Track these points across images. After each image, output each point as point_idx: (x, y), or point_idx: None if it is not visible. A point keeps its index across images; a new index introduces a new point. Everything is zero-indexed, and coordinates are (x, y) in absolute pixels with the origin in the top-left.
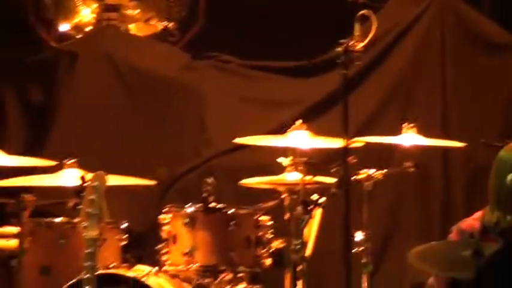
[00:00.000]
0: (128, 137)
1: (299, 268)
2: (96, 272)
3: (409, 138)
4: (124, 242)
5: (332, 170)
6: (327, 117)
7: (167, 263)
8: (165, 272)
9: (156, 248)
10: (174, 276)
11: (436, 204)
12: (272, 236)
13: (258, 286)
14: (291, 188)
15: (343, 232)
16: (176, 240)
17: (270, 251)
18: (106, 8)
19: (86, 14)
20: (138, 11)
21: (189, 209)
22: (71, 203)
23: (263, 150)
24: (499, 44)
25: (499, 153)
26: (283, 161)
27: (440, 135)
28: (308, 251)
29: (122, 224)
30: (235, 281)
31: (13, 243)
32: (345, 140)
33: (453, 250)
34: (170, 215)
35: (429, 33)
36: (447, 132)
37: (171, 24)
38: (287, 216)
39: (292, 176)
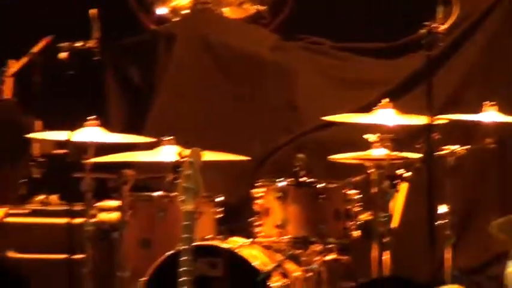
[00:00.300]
0: (222, 114)
1: (385, 240)
2: (193, 243)
3: (490, 115)
4: (219, 215)
5: (417, 146)
6: (412, 96)
7: (260, 234)
8: (258, 243)
9: (250, 220)
10: (266, 247)
11: None
12: (360, 209)
13: (347, 257)
14: (378, 163)
15: (427, 205)
16: (269, 213)
17: (358, 223)
18: None
19: None
20: None
21: (281, 183)
22: (168, 178)
23: (351, 127)
24: None
25: None
26: (370, 137)
27: None
28: (394, 223)
29: (217, 198)
30: (325, 252)
31: (114, 216)
32: (429, 117)
33: None
34: (263, 189)
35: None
36: None
37: (263, 8)
38: (374, 190)
39: (379, 152)
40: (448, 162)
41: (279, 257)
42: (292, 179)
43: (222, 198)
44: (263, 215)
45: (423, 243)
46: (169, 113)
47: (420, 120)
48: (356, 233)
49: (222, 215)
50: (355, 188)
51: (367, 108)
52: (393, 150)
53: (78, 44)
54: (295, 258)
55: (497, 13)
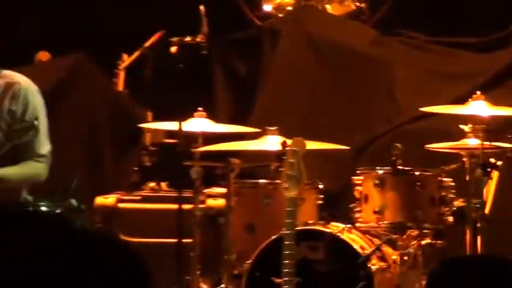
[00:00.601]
0: (324, 106)
1: (478, 225)
2: (296, 228)
3: None
4: (320, 201)
5: (508, 136)
6: (504, 89)
7: (359, 220)
8: (357, 228)
9: (349, 206)
10: (365, 232)
11: None
12: (454, 195)
13: (441, 241)
14: (471, 152)
15: None
16: (367, 199)
17: (452, 209)
18: None
19: None
20: None
21: (380, 171)
22: (273, 166)
23: (446, 118)
24: None
25: None
26: (464, 127)
27: None
28: (486, 210)
29: (319, 185)
30: (421, 236)
31: (221, 202)
32: None
33: None
34: (362, 177)
35: None
36: None
37: (363, 5)
38: (468, 177)
39: (472, 141)
40: None
41: (377, 241)
42: (390, 167)
43: (323, 185)
44: (362, 201)
45: None
46: (273, 105)
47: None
48: (450, 219)
49: (323, 202)
50: (449, 176)
51: (461, 100)
52: (486, 139)
53: (187, 39)
54: (392, 243)
55: None
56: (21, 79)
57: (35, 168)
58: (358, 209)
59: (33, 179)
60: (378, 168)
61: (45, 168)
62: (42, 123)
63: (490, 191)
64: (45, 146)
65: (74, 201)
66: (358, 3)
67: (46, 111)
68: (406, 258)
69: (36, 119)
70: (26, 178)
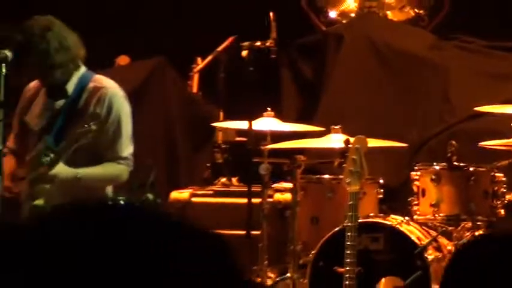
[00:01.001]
0: (384, 106)
1: None
2: (357, 220)
3: None
4: (380, 196)
5: None
6: None
7: (416, 212)
8: (415, 220)
9: (407, 200)
10: (422, 224)
11: None
12: (505, 189)
13: None
14: None
15: None
16: (424, 193)
17: (504, 202)
18: None
19: (350, 3)
20: (394, 0)
21: (436, 167)
22: (336, 162)
23: (498, 117)
24: None
25: None
26: None
27: None
28: None
29: (379, 180)
30: (474, 228)
31: (287, 196)
32: None
33: None
34: (419, 172)
35: None
36: None
37: (421, 11)
38: None
39: None
40: None
41: (433, 232)
42: (446, 163)
43: (383, 180)
44: (419, 195)
45: None
46: (337, 105)
47: None
48: (502, 211)
49: (383, 196)
50: (501, 171)
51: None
52: None
53: (257, 44)
54: (447, 234)
55: None
56: (108, 84)
57: (116, 170)
58: (415, 202)
59: (114, 180)
60: (434, 164)
61: (126, 170)
62: (126, 127)
63: None
64: (127, 149)
65: (150, 196)
66: (417, 10)
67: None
68: None
69: (119, 123)
70: (106, 179)
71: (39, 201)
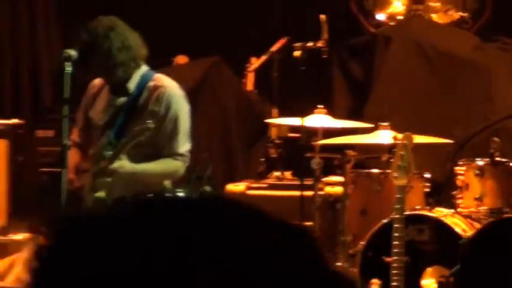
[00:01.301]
0: (430, 104)
1: None
2: (404, 213)
3: None
4: (427, 189)
5: None
6: None
7: (461, 206)
8: (459, 213)
9: (452, 194)
10: (466, 216)
11: None
12: None
13: None
14: None
15: None
16: (468, 187)
17: None
18: (414, 1)
19: (398, 6)
20: (439, 3)
21: (480, 162)
22: (384, 158)
23: None
24: None
25: None
26: None
27: None
28: None
29: (425, 175)
30: None
31: (338, 189)
32: None
33: None
34: (464, 167)
35: None
36: None
37: (465, 14)
38: None
39: None
40: None
41: (477, 225)
42: (489, 159)
43: (429, 174)
44: (463, 189)
45: None
46: (385, 103)
47: None
48: None
49: (429, 189)
50: None
51: None
52: None
53: (309, 44)
54: None
55: None
56: (168, 83)
57: (173, 165)
58: (459, 196)
59: (171, 176)
60: (477, 159)
61: (182, 165)
62: (183, 125)
63: None
64: (184, 146)
65: (207, 188)
66: (461, 13)
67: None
68: None
69: (176, 121)
70: (163, 174)
71: (101, 194)
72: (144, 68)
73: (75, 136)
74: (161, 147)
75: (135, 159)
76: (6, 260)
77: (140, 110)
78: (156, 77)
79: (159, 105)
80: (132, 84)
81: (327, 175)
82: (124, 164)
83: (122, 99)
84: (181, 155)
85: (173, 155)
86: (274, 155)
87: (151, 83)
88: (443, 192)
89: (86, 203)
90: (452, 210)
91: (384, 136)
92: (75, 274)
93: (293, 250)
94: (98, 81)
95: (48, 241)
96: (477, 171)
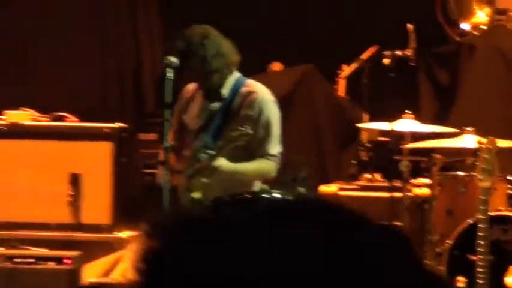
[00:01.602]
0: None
1: None
2: (489, 213)
3: None
4: (510, 191)
5: None
6: None
7: None
8: None
9: None
10: None
11: None
12: None
13: None
14: None
15: None
16: None
17: None
18: (497, 12)
19: (482, 16)
20: None
21: None
22: (469, 161)
23: None
24: None
25: None
26: None
27: None
28: None
29: (509, 177)
30: None
31: (425, 191)
32: None
33: None
34: None
35: None
36: None
37: None
38: None
39: None
40: None
41: None
42: None
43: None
44: None
45: None
46: (470, 108)
47: None
48: None
49: None
50: None
51: None
52: None
53: (398, 52)
54: None
55: None
56: (260, 89)
57: (266, 166)
58: None
59: (264, 175)
60: None
61: (274, 166)
62: (275, 129)
63: None
64: (276, 148)
65: (302, 189)
66: None
67: (281, 117)
68: None
69: (268, 125)
70: (258, 173)
71: (197, 194)
72: (236, 74)
73: (170, 139)
74: (253, 150)
75: (229, 160)
76: (111, 257)
77: (234, 114)
78: (248, 82)
79: (252, 109)
80: (225, 90)
81: (414, 177)
82: (224, 163)
83: (216, 104)
84: (273, 155)
85: (265, 155)
86: (364, 158)
87: (244, 89)
88: None
89: (182, 202)
90: None
91: (469, 140)
92: (188, 278)
93: (401, 253)
94: (191, 87)
95: (155, 242)
96: None
